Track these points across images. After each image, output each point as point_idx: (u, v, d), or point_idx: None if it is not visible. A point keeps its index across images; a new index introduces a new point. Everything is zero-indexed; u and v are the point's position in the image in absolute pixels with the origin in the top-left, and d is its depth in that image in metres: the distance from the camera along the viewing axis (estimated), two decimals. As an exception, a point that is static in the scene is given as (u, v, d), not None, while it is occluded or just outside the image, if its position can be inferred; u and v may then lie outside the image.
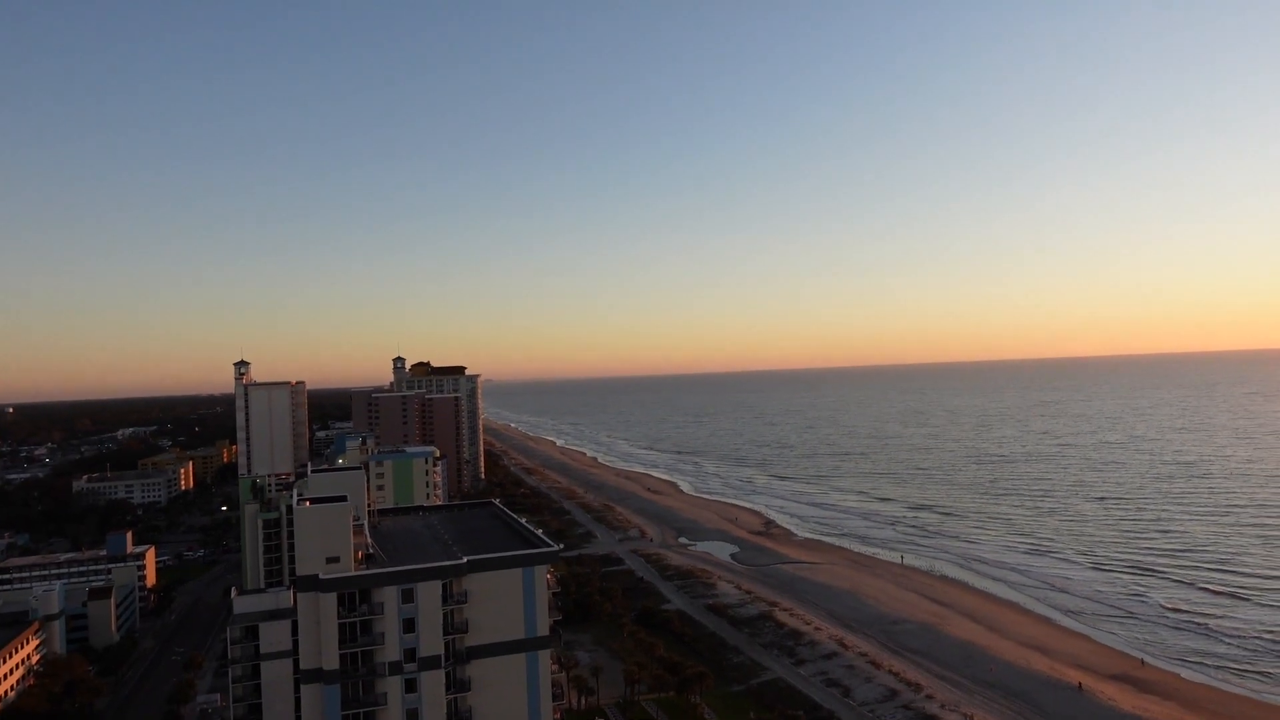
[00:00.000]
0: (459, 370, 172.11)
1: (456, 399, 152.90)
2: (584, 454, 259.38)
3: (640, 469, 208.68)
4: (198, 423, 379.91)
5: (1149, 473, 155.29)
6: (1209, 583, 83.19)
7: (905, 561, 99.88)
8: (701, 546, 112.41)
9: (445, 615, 35.93)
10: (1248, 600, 77.56)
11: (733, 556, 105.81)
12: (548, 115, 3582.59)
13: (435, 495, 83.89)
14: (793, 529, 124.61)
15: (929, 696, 55.95)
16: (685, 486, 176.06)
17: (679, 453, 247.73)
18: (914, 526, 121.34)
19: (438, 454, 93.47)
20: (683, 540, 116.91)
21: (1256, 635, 68.10)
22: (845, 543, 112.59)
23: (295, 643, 36.17)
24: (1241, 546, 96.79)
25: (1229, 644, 67.07)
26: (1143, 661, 64.35)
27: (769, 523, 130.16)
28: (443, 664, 35.58)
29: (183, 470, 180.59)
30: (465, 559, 37.09)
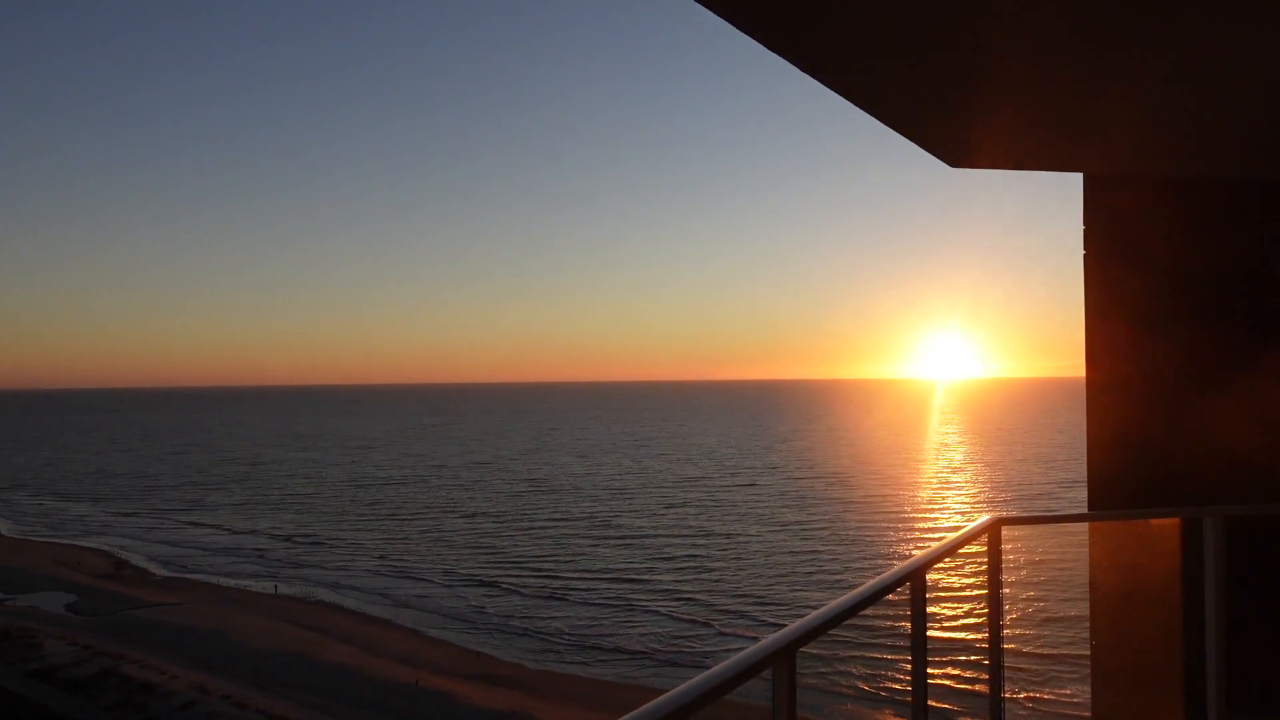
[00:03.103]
0: None
1: None
2: None
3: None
4: None
5: (507, 490, 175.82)
6: (542, 589, 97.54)
7: (280, 591, 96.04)
8: (25, 600, 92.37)
9: None
10: (566, 600, 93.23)
11: (69, 608, 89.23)
12: None
13: None
14: (152, 569, 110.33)
15: (298, 729, 54.51)
16: (3, 528, 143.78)
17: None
18: (290, 555, 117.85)
19: None
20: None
21: (571, 631, 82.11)
22: (214, 578, 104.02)
23: None
24: (570, 553, 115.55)
25: (553, 638, 79.49)
26: (477, 654, 72.69)
27: (121, 564, 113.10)
28: None
29: None
30: None
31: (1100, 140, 2.91)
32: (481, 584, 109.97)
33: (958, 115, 2.53)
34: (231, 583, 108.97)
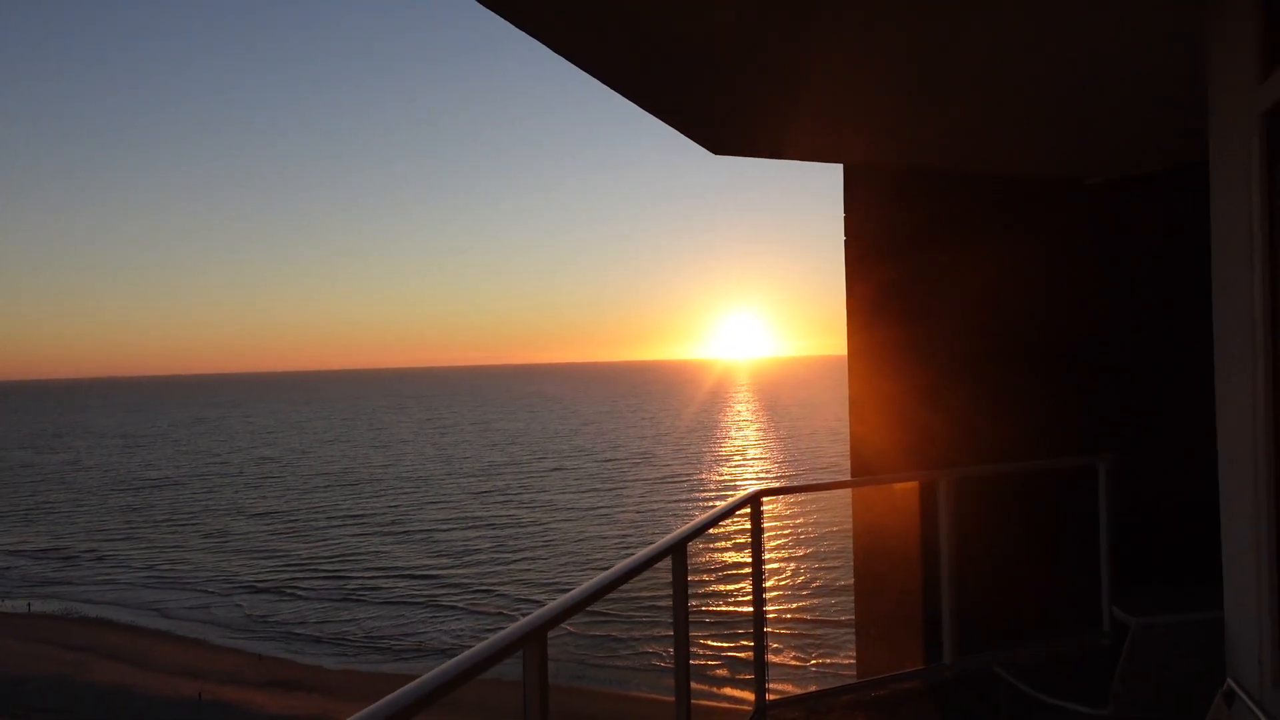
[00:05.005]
0: None
1: None
2: None
3: None
4: None
5: (303, 486, 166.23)
6: (337, 590, 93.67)
7: (33, 609, 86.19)
8: None
9: None
10: (364, 601, 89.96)
11: None
12: None
13: None
14: None
15: (61, 759, 49.19)
16: None
17: None
18: (42, 572, 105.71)
19: None
20: None
21: (369, 633, 79.76)
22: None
23: None
24: (370, 551, 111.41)
25: (349, 642, 76.58)
26: (259, 658, 69.24)
27: None
28: None
29: None
30: None
31: (855, 134, 3.07)
32: (269, 590, 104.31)
33: (716, 105, 2.59)
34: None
